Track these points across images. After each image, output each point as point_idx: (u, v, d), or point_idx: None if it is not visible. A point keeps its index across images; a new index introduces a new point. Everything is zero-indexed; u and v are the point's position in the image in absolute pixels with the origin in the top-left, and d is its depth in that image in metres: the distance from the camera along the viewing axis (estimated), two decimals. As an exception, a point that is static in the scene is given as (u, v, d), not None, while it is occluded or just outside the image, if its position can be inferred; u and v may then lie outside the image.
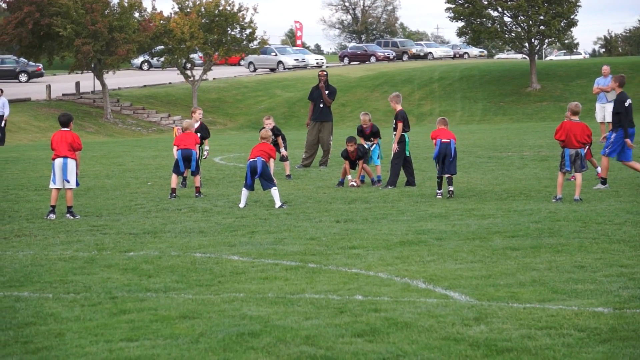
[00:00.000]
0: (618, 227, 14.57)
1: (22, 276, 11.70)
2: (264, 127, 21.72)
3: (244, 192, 18.49)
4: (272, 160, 18.88)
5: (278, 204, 18.12)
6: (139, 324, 9.16)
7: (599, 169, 20.63)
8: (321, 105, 26.95)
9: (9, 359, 8.15)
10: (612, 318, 8.95)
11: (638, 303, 9.54)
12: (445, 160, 19.22)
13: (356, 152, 21.55)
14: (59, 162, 17.33)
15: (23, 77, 74.87)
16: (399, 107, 21.34)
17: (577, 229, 14.47)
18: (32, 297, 10.53)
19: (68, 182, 17.31)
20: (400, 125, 21.06)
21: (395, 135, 21.11)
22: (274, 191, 18.29)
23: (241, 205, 18.32)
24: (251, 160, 18.51)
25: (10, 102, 55.99)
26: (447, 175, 19.23)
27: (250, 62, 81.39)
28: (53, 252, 13.47)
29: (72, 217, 17.15)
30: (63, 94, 62.26)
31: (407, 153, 21.18)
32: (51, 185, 17.48)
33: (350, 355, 8.01)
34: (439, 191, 19.40)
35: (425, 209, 17.35)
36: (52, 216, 17.20)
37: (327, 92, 27.17)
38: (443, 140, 19.35)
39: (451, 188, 19.11)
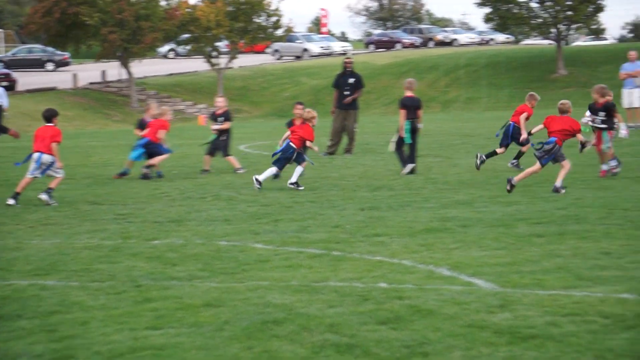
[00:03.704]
0: (644, 213, 14.50)
1: (48, 264, 11.76)
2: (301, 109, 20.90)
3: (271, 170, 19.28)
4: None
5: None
6: (164, 312, 9.18)
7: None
8: (346, 93, 26.92)
9: (34, 348, 8.20)
10: (637, 305, 8.90)
11: (663, 290, 9.50)
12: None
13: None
14: (36, 156, 17.52)
15: (50, 66, 75.18)
16: (407, 94, 21.36)
17: (602, 215, 14.39)
18: (57, 285, 10.58)
19: (55, 172, 17.54)
20: (401, 112, 21.14)
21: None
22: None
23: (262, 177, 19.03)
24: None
25: (36, 91, 56.39)
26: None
27: (276, 50, 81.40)
28: (79, 241, 13.54)
29: (46, 198, 17.28)
30: (90, 83, 62.47)
31: (409, 139, 21.13)
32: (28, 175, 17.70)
33: (374, 342, 8.01)
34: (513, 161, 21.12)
35: (450, 196, 17.30)
36: (12, 201, 17.31)
37: (353, 79, 27.21)
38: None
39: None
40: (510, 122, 21.72)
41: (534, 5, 66.00)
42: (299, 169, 19.12)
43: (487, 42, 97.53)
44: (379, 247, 12.52)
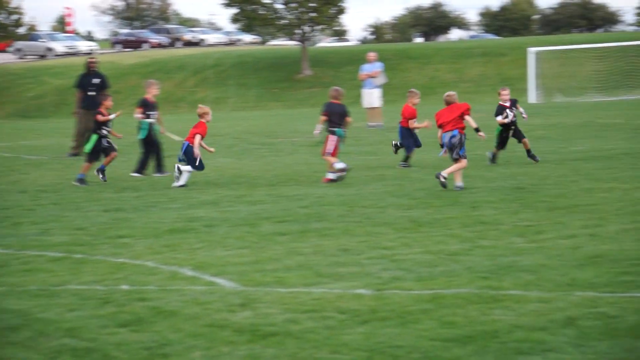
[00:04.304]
0: (382, 210, 14.97)
1: None
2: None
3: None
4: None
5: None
6: None
7: None
8: (91, 94, 26.45)
9: None
10: (373, 299, 9.19)
11: (397, 284, 9.83)
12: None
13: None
14: None
15: None
16: (146, 96, 21.31)
17: (343, 213, 14.78)
18: None
19: None
20: (137, 110, 21.10)
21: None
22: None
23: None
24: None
25: None
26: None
27: (18, 49, 79.00)
28: None
29: None
30: None
31: (142, 135, 21.07)
32: None
33: (114, 345, 7.90)
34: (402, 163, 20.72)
35: (196, 196, 17.31)
36: None
37: (98, 80, 26.77)
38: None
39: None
40: (399, 125, 21.58)
41: (278, 6, 67.07)
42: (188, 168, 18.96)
43: (234, 43, 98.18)
44: (123, 248, 12.38)
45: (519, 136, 21.04)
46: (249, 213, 15.11)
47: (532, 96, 52.97)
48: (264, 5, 66.63)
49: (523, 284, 9.64)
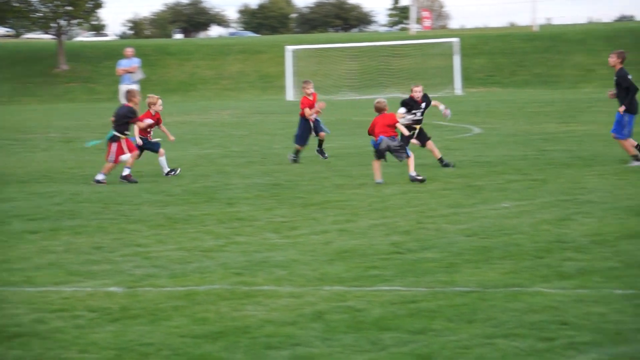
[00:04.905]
0: (137, 207, 14.83)
1: None
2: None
3: None
4: None
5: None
6: None
7: None
8: None
9: None
10: (124, 297, 9.08)
11: (150, 281, 9.75)
12: None
13: None
14: None
15: None
16: None
17: (97, 210, 14.54)
18: None
19: None
20: None
21: None
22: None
23: None
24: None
25: None
26: None
27: None
28: None
29: None
30: None
31: None
32: None
33: None
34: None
35: (-59, 194, 16.64)
36: None
37: None
38: None
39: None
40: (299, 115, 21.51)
41: (33, -1, 65.39)
42: (161, 160, 18.73)
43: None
44: None
45: (423, 139, 19.52)
46: (-2, 211, 14.65)
47: (290, 94, 53.84)
48: (17, -3, 64.76)
49: (275, 279, 9.77)
